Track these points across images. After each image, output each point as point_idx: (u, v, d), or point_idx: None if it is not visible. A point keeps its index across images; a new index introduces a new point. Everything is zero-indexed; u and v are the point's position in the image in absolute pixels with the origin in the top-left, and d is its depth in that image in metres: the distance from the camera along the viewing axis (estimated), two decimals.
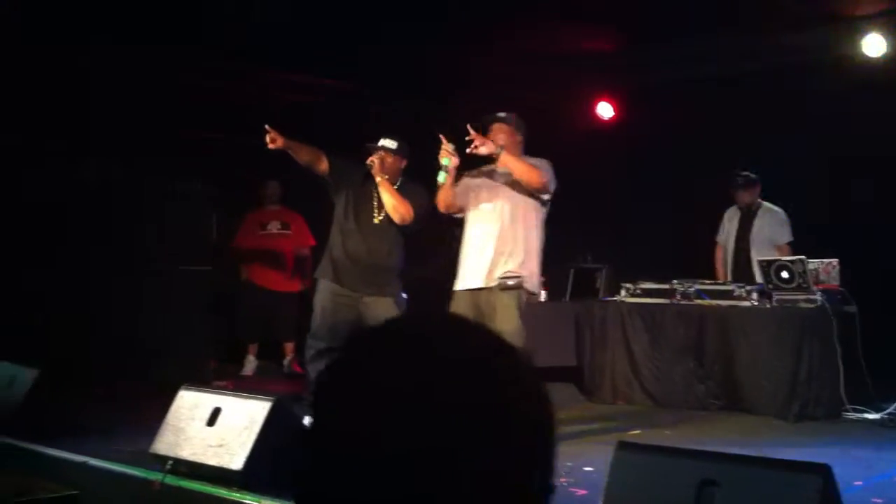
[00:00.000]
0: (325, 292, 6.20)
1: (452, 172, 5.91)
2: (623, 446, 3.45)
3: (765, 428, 6.61)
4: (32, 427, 5.62)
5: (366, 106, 9.26)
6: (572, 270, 9.19)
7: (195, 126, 8.73)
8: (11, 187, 7.47)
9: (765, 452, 5.27)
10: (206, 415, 4.82)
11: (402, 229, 6.18)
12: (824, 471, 2.92)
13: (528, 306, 5.90)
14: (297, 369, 8.89)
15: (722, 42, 8.45)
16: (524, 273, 5.84)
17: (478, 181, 6.05)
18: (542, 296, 6.28)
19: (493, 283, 5.82)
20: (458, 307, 5.82)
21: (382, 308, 6.06)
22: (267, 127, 5.88)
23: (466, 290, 5.91)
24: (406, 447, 0.90)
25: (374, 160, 6.05)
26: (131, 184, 8.20)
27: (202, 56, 8.26)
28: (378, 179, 6.06)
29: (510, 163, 5.81)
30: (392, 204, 6.06)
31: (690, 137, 8.99)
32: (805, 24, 7.89)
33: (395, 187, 6.15)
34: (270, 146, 5.91)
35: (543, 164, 5.97)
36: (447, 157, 5.88)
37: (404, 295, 6.29)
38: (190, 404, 4.96)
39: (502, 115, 6.06)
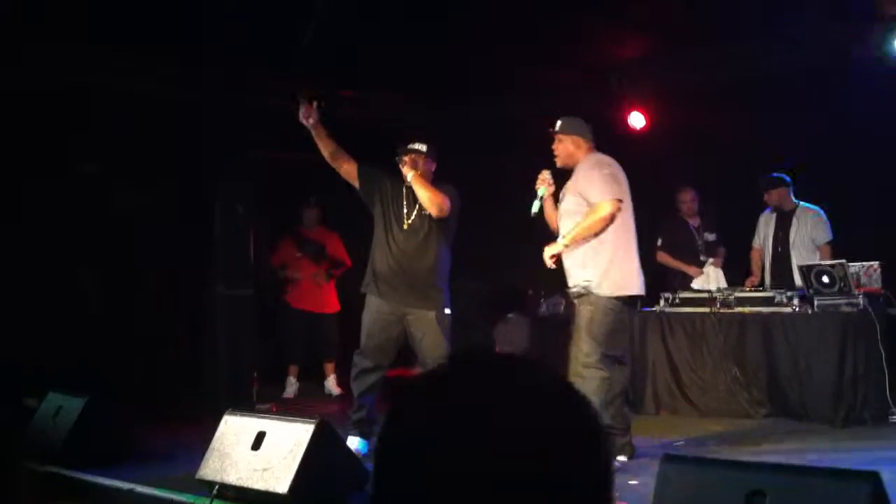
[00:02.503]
0: (370, 310, 6.20)
1: (549, 201, 6.01)
2: (669, 458, 3.43)
3: (811, 434, 6.54)
4: (81, 455, 5.69)
5: (406, 116, 9.32)
6: None
7: (240, 145, 8.70)
8: (43, 209, 7.53)
9: (811, 459, 5.23)
10: (251, 439, 4.85)
11: (440, 230, 6.13)
12: (873, 478, 2.89)
13: (611, 310, 5.69)
14: (339, 389, 8.92)
15: (753, 44, 8.41)
16: (591, 277, 5.70)
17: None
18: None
19: (573, 294, 5.87)
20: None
21: (424, 325, 6.06)
22: (302, 99, 5.96)
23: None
24: (489, 469, 0.97)
25: (404, 159, 6.07)
26: (172, 207, 8.26)
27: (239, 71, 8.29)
28: (410, 176, 6.02)
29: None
30: (427, 196, 6.00)
31: (723, 141, 8.92)
32: (837, 24, 7.82)
33: None
34: (303, 119, 5.98)
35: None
36: (543, 187, 5.97)
37: (448, 311, 6.19)
38: (235, 429, 5.00)
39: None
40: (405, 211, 6.14)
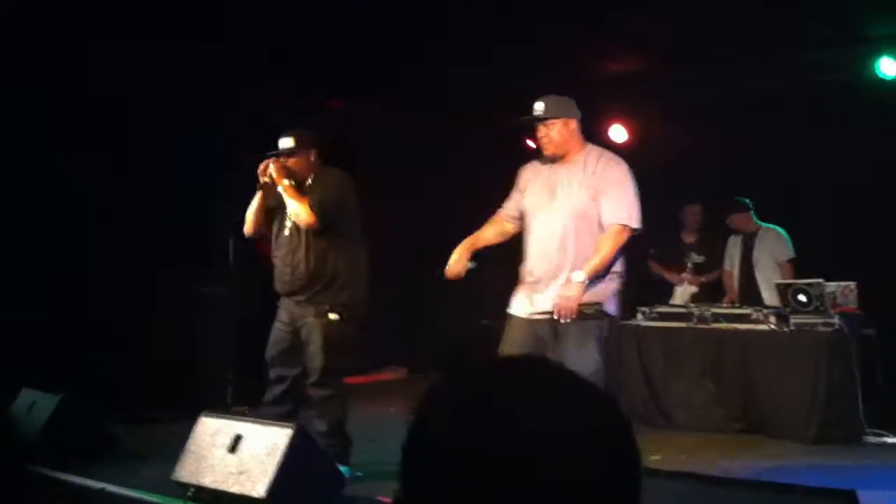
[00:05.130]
0: (278, 315, 5.84)
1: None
2: (647, 473, 3.43)
3: (784, 451, 6.57)
4: (53, 453, 5.64)
5: (398, 128, 9.33)
6: None
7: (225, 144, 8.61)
8: (26, 206, 7.47)
9: (784, 476, 5.26)
10: (228, 442, 4.83)
11: (324, 235, 5.64)
12: (850, 497, 2.91)
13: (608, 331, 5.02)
14: None
15: (737, 64, 8.48)
16: (602, 296, 4.93)
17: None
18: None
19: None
20: (515, 334, 5.05)
21: (308, 331, 5.65)
22: (271, 162, 5.60)
23: (525, 317, 5.04)
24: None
25: (271, 170, 5.58)
26: (154, 205, 8.21)
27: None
28: (280, 188, 5.57)
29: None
30: (294, 211, 5.60)
31: (702, 160, 8.99)
32: (821, 46, 7.90)
33: (309, 182, 5.72)
34: (262, 178, 5.57)
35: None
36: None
37: (332, 315, 5.62)
38: (211, 431, 4.98)
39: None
40: (286, 215, 5.76)
